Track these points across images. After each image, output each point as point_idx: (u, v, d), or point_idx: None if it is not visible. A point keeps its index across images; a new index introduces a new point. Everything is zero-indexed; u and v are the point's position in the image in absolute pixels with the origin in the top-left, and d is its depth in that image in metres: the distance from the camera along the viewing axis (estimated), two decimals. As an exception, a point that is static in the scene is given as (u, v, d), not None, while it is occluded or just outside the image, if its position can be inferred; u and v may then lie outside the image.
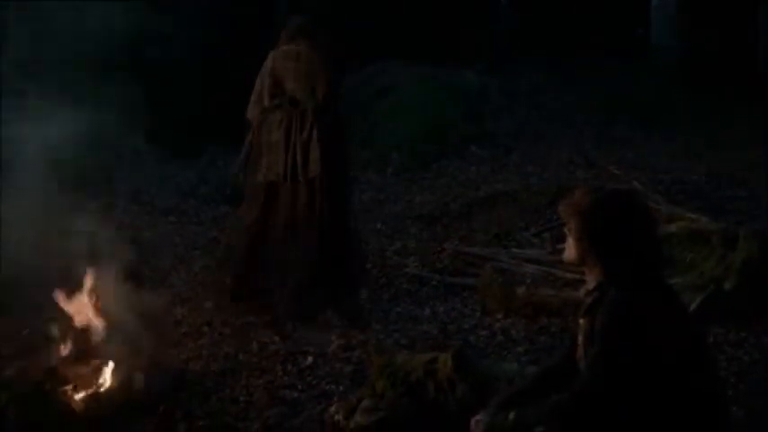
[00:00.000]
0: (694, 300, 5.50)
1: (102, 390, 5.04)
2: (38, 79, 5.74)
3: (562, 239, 3.48)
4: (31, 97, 5.66)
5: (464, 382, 4.43)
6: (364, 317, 6.15)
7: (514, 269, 6.68)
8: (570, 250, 3.32)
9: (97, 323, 5.47)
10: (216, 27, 10.76)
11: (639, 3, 14.03)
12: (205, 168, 10.05)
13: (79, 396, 4.95)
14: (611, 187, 5.16)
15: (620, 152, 9.77)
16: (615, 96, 11.50)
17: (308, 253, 6.17)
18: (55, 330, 5.37)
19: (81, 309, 5.52)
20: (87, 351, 5.28)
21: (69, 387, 4.99)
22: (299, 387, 5.22)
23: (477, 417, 3.35)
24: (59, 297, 5.41)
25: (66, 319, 5.46)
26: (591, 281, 3.30)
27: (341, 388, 5.14)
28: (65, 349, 5.30)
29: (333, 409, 4.75)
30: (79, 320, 5.44)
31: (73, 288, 5.56)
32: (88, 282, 5.48)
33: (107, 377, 5.11)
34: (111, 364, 5.19)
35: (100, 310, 5.49)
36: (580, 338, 3.29)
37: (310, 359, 5.55)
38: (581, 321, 3.30)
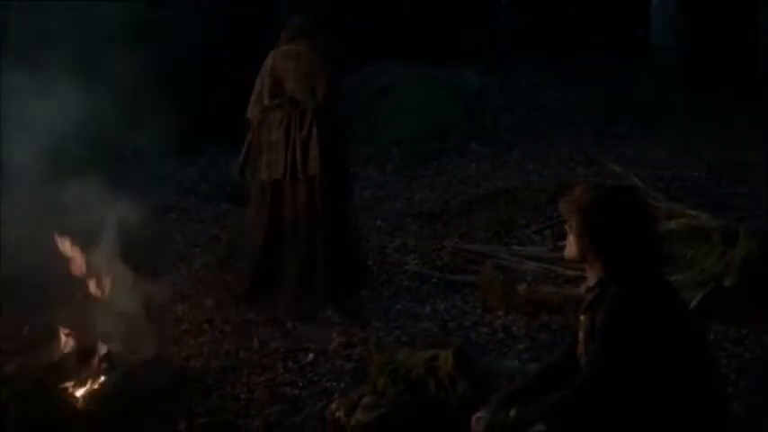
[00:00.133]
0: (695, 297, 5.51)
1: (102, 387, 5.04)
2: (36, 77, 5.74)
3: (563, 236, 3.48)
4: (30, 93, 5.66)
5: (465, 379, 4.43)
6: (365, 314, 6.16)
7: (515, 266, 6.68)
8: (571, 247, 3.33)
9: (98, 321, 5.48)
10: (216, 26, 10.76)
11: (639, 2, 14.03)
12: (206, 166, 10.06)
13: (79, 393, 4.96)
14: (612, 184, 5.19)
15: (620, 149, 9.77)
16: (615, 95, 11.49)
17: (308, 252, 6.21)
18: (55, 327, 5.38)
19: (82, 307, 5.54)
20: (88, 348, 5.29)
21: (70, 384, 5.00)
22: (300, 384, 5.22)
23: (478, 414, 3.36)
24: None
25: (66, 316, 5.47)
26: (591, 278, 3.30)
27: (342, 385, 5.15)
28: (65, 346, 5.30)
29: (334, 406, 4.75)
30: (79, 317, 5.45)
31: (73, 286, 5.58)
32: (88, 278, 5.50)
33: (107, 374, 5.11)
34: (111, 361, 5.20)
35: (101, 308, 5.51)
36: (580, 335, 3.30)
37: (311, 356, 5.56)
38: (581, 318, 3.30)
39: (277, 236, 6.28)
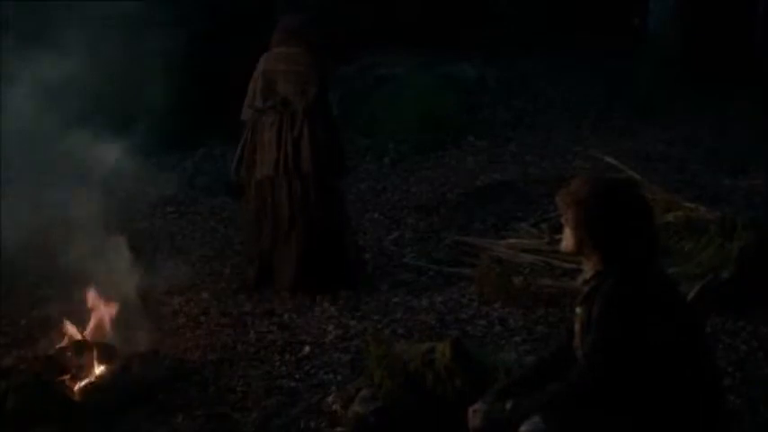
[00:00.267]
0: (692, 289, 5.51)
1: (99, 379, 5.04)
2: (33, 69, 5.72)
3: (560, 229, 3.48)
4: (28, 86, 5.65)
5: (462, 371, 4.42)
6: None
7: (512, 259, 6.67)
8: (568, 240, 3.33)
9: (95, 313, 5.49)
10: (214, 17, 10.73)
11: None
12: (203, 159, 10.04)
13: (77, 385, 4.96)
14: (609, 177, 5.17)
15: (617, 141, 9.76)
16: (613, 86, 11.48)
17: (305, 247, 6.32)
18: (53, 320, 5.39)
19: (79, 300, 5.54)
20: (85, 340, 5.29)
21: (68, 376, 5.00)
22: (297, 377, 5.22)
23: (475, 406, 3.36)
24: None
25: (65, 310, 5.48)
26: (588, 270, 3.31)
27: (339, 378, 5.15)
28: (63, 339, 5.31)
29: (331, 398, 4.76)
30: (78, 312, 5.46)
31: (72, 281, 5.58)
32: (86, 274, 5.50)
33: (105, 367, 5.12)
34: (109, 354, 5.20)
35: (99, 302, 5.51)
36: (577, 327, 3.30)
37: (308, 349, 5.56)
38: (578, 310, 3.30)
39: (273, 233, 6.39)
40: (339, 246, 6.44)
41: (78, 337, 5.30)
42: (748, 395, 4.64)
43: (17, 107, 5.59)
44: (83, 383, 4.98)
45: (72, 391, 4.92)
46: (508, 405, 3.26)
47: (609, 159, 8.01)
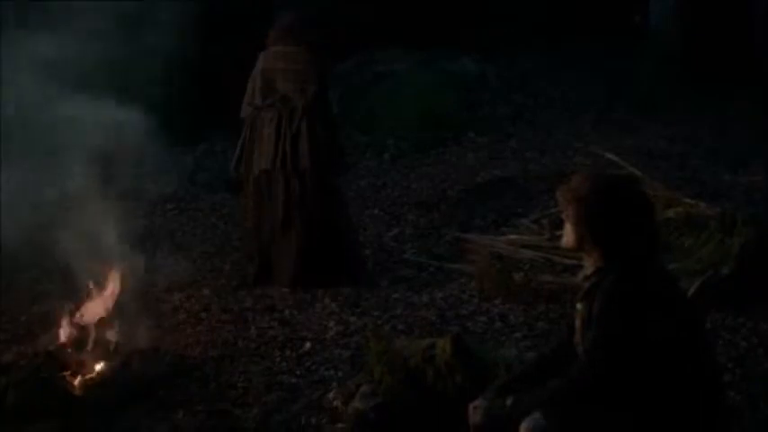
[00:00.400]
0: (692, 285, 5.50)
1: (100, 375, 5.04)
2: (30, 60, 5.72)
3: (560, 225, 3.48)
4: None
5: (462, 367, 4.42)
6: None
7: (513, 255, 6.67)
8: (568, 236, 3.33)
9: (96, 309, 5.48)
10: (214, 12, 10.70)
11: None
12: (203, 155, 10.04)
13: (78, 381, 4.97)
14: (609, 173, 5.18)
15: (618, 137, 9.75)
16: (614, 83, 11.47)
17: (304, 243, 6.34)
18: (53, 315, 5.39)
19: (80, 296, 5.54)
20: (86, 336, 5.29)
21: (68, 372, 5.00)
22: (298, 373, 5.23)
23: (475, 402, 3.36)
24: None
25: (65, 305, 5.48)
26: (589, 266, 3.31)
27: (339, 374, 5.15)
28: (63, 334, 5.31)
29: (331, 394, 4.76)
30: (78, 307, 5.46)
31: (71, 277, 5.58)
32: (87, 270, 5.50)
33: (105, 362, 5.12)
34: (109, 350, 5.21)
35: (99, 297, 5.51)
36: (577, 323, 3.30)
37: (308, 345, 5.56)
38: (578, 306, 3.30)
39: (272, 229, 6.41)
40: (339, 243, 6.44)
41: (78, 333, 5.30)
42: (748, 391, 4.64)
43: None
44: (83, 379, 4.98)
45: (72, 386, 4.93)
46: (508, 401, 3.26)
47: (609, 156, 8.00)
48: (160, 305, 6.19)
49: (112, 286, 5.53)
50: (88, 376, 5.01)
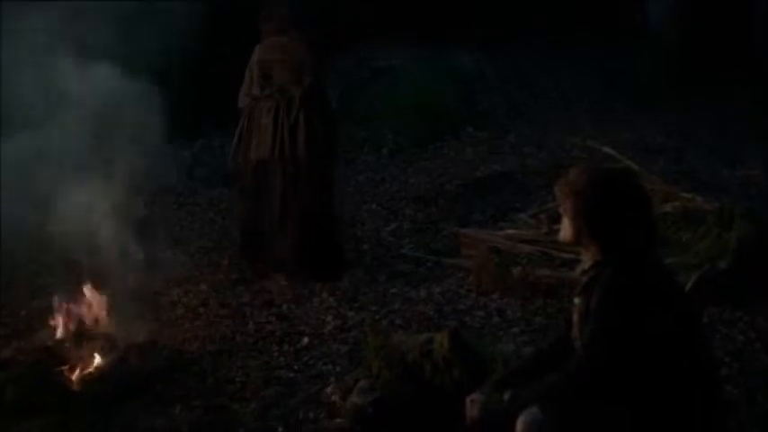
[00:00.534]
0: (689, 279, 5.51)
1: (98, 370, 5.05)
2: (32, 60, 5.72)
3: (558, 220, 3.47)
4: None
5: (460, 362, 4.43)
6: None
7: (510, 249, 6.66)
8: (566, 230, 3.33)
9: (94, 304, 5.49)
10: (212, 5, 10.68)
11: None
12: (201, 150, 10.03)
13: (76, 376, 4.97)
14: (607, 167, 5.17)
15: (616, 132, 9.75)
16: (612, 77, 11.47)
17: (299, 234, 6.39)
18: (52, 311, 5.39)
19: (78, 292, 5.54)
20: (84, 331, 5.30)
21: (66, 367, 5.01)
22: (296, 367, 5.23)
23: (472, 396, 3.36)
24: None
25: (64, 300, 5.48)
26: (586, 260, 3.31)
27: (337, 368, 5.16)
28: (61, 329, 5.31)
29: (329, 389, 4.77)
30: (76, 302, 5.46)
31: (71, 273, 5.58)
32: (85, 265, 5.50)
33: (103, 357, 5.12)
34: (107, 345, 5.21)
35: (97, 292, 5.51)
36: (575, 317, 3.30)
37: (306, 340, 5.57)
38: (576, 301, 3.31)
39: (270, 217, 6.45)
40: (331, 232, 6.55)
41: (77, 328, 5.30)
42: (745, 385, 4.64)
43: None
44: (81, 374, 4.98)
45: (70, 382, 4.93)
46: (506, 395, 3.26)
47: (607, 150, 8.01)
48: (158, 300, 6.19)
49: (110, 281, 5.53)
50: (86, 371, 5.01)
